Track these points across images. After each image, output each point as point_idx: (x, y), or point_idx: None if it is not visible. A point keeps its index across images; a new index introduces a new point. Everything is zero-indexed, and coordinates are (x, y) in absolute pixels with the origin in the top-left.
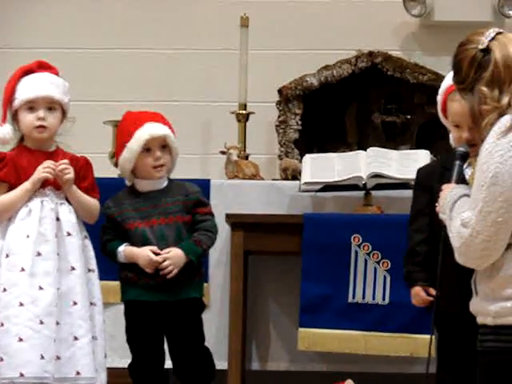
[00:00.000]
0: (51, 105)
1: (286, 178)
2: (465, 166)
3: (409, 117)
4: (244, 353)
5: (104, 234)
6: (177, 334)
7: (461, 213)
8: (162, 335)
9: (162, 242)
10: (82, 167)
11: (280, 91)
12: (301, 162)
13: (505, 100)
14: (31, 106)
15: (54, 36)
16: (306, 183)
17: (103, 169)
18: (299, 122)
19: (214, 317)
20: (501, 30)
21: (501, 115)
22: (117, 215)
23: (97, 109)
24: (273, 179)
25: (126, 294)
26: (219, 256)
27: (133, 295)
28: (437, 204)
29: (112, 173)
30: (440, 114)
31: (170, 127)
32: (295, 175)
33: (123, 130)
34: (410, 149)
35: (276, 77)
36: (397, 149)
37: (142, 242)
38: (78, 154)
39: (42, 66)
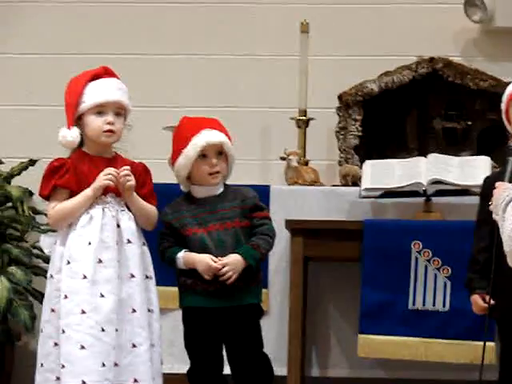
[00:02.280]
0: (119, 110)
1: (346, 184)
2: None
3: (469, 123)
4: (303, 359)
5: (163, 241)
6: (235, 340)
7: None
8: (221, 341)
9: (220, 247)
10: (141, 174)
11: (340, 97)
12: (361, 168)
13: None
14: (100, 110)
15: (115, 42)
16: (366, 189)
17: (163, 175)
18: (359, 128)
19: (274, 323)
20: None
21: None
22: (174, 222)
23: (157, 114)
24: (333, 185)
25: (185, 300)
26: (279, 262)
27: (191, 301)
28: (490, 203)
29: (172, 179)
30: (504, 121)
31: (227, 134)
32: (355, 181)
33: (180, 136)
34: (471, 155)
35: (336, 83)
36: (457, 155)
37: (201, 247)
38: (136, 161)
39: (108, 72)
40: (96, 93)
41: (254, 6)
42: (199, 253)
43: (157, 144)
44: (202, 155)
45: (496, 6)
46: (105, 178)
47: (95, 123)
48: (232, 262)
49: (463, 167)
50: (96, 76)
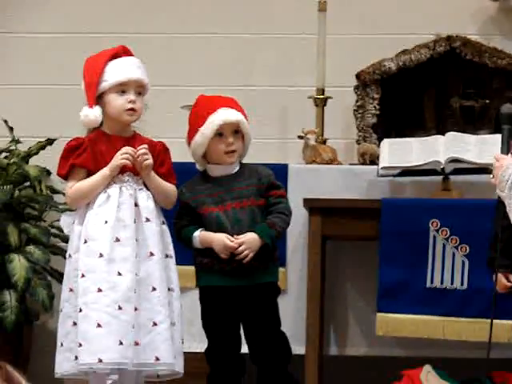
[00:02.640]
0: (140, 89)
1: (364, 163)
2: None
3: (487, 101)
4: (322, 338)
5: (179, 220)
6: (252, 319)
7: None
8: (238, 320)
9: (237, 226)
10: (160, 152)
11: (358, 76)
12: (379, 146)
13: None
14: (122, 88)
15: (131, 21)
16: (383, 168)
17: (180, 154)
18: (377, 107)
19: (292, 302)
20: None
21: None
22: (191, 201)
23: (174, 93)
24: (351, 164)
25: (201, 279)
26: (297, 241)
27: (208, 281)
28: (492, 176)
29: (189, 158)
30: None
31: (243, 113)
32: (373, 160)
33: (197, 114)
34: (489, 133)
35: (354, 61)
36: (475, 133)
37: (217, 226)
38: (154, 139)
39: (126, 51)
40: (118, 71)
41: None
42: (215, 232)
43: (174, 123)
44: (219, 134)
45: None
46: (121, 157)
47: (117, 102)
48: (248, 241)
49: (481, 145)
50: (115, 55)
